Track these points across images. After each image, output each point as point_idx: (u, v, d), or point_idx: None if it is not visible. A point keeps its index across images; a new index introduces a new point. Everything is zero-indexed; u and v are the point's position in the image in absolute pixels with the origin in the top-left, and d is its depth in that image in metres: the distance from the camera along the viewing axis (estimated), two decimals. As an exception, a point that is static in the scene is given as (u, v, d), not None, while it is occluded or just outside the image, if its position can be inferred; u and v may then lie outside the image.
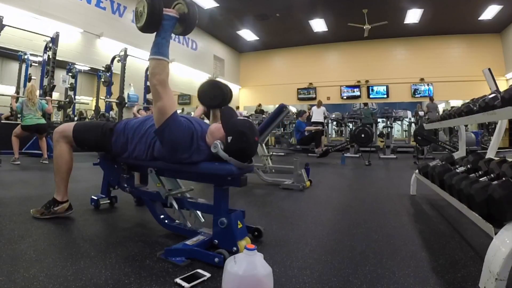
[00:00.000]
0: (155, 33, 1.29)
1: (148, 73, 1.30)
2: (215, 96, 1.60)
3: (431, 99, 9.64)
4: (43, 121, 4.25)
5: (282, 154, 7.30)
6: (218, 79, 1.94)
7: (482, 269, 0.95)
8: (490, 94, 1.52)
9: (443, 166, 1.81)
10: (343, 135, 9.02)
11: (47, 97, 4.79)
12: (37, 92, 4.41)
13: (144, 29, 1.28)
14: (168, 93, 1.26)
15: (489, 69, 2.33)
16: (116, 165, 1.65)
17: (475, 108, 1.69)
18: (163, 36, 1.27)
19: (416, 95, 11.37)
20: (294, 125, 9.38)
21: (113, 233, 1.49)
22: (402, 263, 1.18)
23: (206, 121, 1.82)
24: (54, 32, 5.30)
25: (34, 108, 4.17)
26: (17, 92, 5.65)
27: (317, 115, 8.05)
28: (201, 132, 1.35)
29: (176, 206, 1.41)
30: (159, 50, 1.25)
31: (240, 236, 1.24)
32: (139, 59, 7.71)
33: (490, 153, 2.13)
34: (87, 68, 7.50)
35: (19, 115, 4.38)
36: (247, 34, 11.35)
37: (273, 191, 2.77)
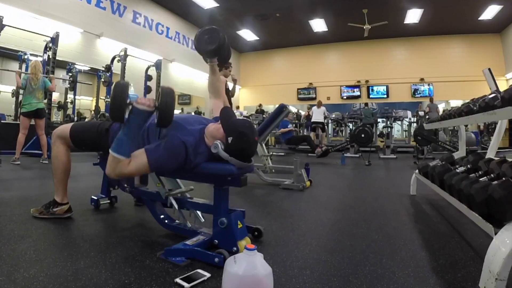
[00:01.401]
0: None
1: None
2: (210, 38, 1.50)
3: (431, 99, 9.65)
4: (42, 105, 4.22)
5: (282, 154, 7.30)
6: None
7: (482, 269, 0.95)
8: (490, 94, 1.51)
9: (443, 166, 1.81)
10: (343, 135, 9.01)
11: (50, 75, 4.75)
12: (41, 68, 4.38)
13: (111, 117, 1.19)
14: (131, 171, 1.19)
15: (489, 69, 2.32)
16: (116, 165, 1.65)
17: (475, 108, 1.69)
18: (126, 133, 1.17)
19: (416, 95, 11.37)
20: (294, 125, 9.40)
21: (113, 233, 1.49)
22: (402, 263, 1.18)
23: (207, 116, 1.78)
24: (54, 32, 5.30)
25: (37, 85, 4.11)
26: (17, 91, 5.65)
27: (317, 115, 8.06)
28: (198, 136, 1.31)
29: (176, 206, 1.41)
30: (118, 148, 1.16)
31: (240, 236, 1.24)
32: (139, 59, 7.71)
33: (490, 153, 2.13)
34: (87, 68, 7.50)
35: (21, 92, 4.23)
36: (247, 34, 11.35)
37: (273, 191, 2.77)
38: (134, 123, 1.18)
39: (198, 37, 1.54)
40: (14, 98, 6.01)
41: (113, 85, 1.19)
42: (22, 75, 4.34)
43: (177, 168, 1.25)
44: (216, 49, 1.52)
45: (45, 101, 4.64)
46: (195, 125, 1.36)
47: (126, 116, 1.17)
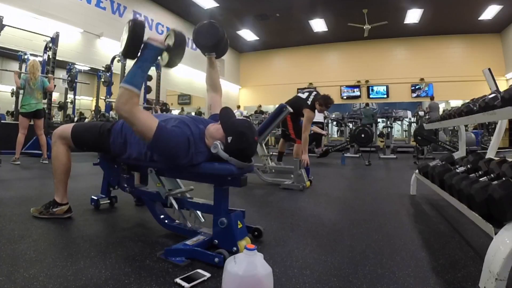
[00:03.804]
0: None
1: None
2: (209, 33, 1.54)
3: (432, 98, 9.64)
4: (41, 106, 4.21)
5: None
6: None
7: (482, 269, 0.95)
8: (490, 94, 1.51)
9: (443, 166, 1.81)
10: (343, 135, 9.01)
11: (49, 75, 4.75)
12: (40, 68, 4.38)
13: (124, 53, 1.23)
14: (139, 118, 1.20)
15: (489, 69, 2.33)
16: (116, 165, 1.65)
17: (475, 108, 1.69)
18: (139, 65, 1.21)
19: (416, 95, 11.37)
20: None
21: (113, 233, 1.49)
22: (402, 263, 1.18)
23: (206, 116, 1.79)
24: (54, 32, 5.30)
25: (35, 86, 4.10)
26: (17, 92, 5.64)
27: (317, 115, 8.05)
28: (198, 134, 1.33)
29: (176, 206, 1.41)
30: (131, 79, 1.19)
31: (240, 236, 1.24)
32: (139, 59, 7.70)
33: (490, 153, 2.13)
34: (87, 68, 7.50)
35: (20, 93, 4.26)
36: (247, 34, 11.35)
37: (273, 191, 2.77)
38: (148, 56, 1.22)
39: (197, 31, 1.57)
40: (14, 97, 6.01)
41: (132, 22, 1.21)
42: (21, 75, 4.34)
43: (176, 158, 1.25)
44: (215, 45, 1.56)
45: (45, 101, 4.64)
46: (195, 126, 1.37)
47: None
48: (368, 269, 1.13)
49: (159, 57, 1.30)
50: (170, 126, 1.29)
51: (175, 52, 1.28)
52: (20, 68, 5.53)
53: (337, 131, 11.16)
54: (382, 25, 9.09)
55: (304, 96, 3.56)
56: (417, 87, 11.38)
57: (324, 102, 3.46)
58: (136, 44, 1.21)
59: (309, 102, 3.45)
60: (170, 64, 1.32)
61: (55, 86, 4.66)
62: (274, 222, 1.75)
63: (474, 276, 1.04)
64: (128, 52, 1.23)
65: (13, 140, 4.04)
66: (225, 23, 10.02)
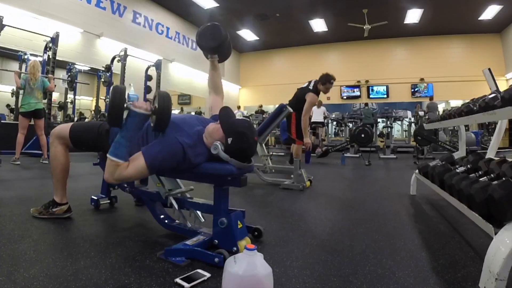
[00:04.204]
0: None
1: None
2: (212, 35, 1.53)
3: (431, 98, 9.64)
4: (40, 105, 4.21)
5: (282, 154, 7.29)
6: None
7: (482, 269, 0.95)
8: (490, 94, 1.52)
9: (443, 166, 1.81)
10: (343, 135, 9.02)
11: (49, 75, 4.75)
12: (40, 68, 4.38)
13: (108, 123, 1.21)
14: (130, 174, 1.18)
15: (489, 69, 2.32)
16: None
17: (475, 108, 1.69)
18: (123, 135, 1.18)
19: (416, 95, 11.37)
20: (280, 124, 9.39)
21: (113, 233, 1.49)
22: (402, 263, 1.18)
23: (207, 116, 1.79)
24: (54, 32, 5.30)
25: (35, 85, 4.10)
26: (17, 92, 5.65)
27: (317, 115, 8.05)
28: (197, 135, 1.31)
29: (176, 206, 1.41)
30: (115, 151, 1.17)
31: (240, 236, 1.24)
32: (139, 59, 7.71)
33: (490, 153, 2.13)
34: (87, 68, 7.50)
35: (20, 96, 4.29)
36: (247, 34, 11.35)
37: (273, 191, 2.77)
38: (132, 125, 1.19)
39: (200, 33, 1.56)
40: (14, 97, 6.02)
41: (112, 89, 1.19)
42: (22, 75, 4.34)
43: (177, 167, 1.25)
44: (218, 47, 1.55)
45: (45, 101, 4.64)
46: (194, 126, 1.35)
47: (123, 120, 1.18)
48: (368, 269, 1.13)
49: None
50: (167, 136, 1.26)
51: (160, 113, 1.20)
52: (20, 68, 5.53)
53: (336, 130, 11.18)
54: (382, 25, 9.09)
55: (304, 85, 3.55)
56: (416, 89, 11.38)
57: (326, 79, 3.36)
58: (116, 113, 1.16)
59: (311, 87, 3.42)
60: (157, 128, 1.23)
61: (55, 86, 4.66)
62: (274, 222, 1.75)
63: (474, 276, 1.04)
64: (111, 121, 1.19)
65: (13, 140, 4.04)
66: (225, 23, 10.00)
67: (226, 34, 1.55)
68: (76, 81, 6.59)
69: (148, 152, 1.20)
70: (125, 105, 1.17)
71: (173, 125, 1.28)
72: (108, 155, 1.17)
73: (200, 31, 1.56)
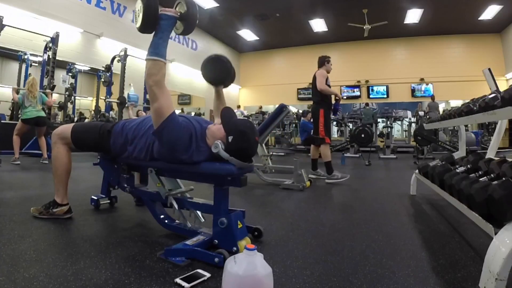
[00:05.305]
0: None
1: (144, 73, 1.29)
2: (216, 70, 1.59)
3: (433, 98, 9.65)
4: (42, 113, 4.25)
5: (282, 154, 7.30)
6: None
7: (482, 269, 0.95)
8: (490, 94, 1.52)
9: (443, 166, 1.81)
10: (343, 135, 9.01)
11: (47, 90, 4.80)
12: (38, 86, 4.40)
13: (141, 29, 1.27)
14: (164, 93, 1.25)
15: (489, 69, 2.33)
16: (116, 165, 1.65)
17: (475, 108, 1.69)
18: (159, 36, 1.25)
19: (416, 95, 11.37)
20: (295, 125, 9.40)
21: (113, 233, 1.49)
22: (402, 263, 1.18)
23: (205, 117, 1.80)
24: (54, 32, 5.30)
25: (34, 100, 4.16)
26: (18, 107, 5.66)
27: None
28: (200, 132, 1.34)
29: (176, 206, 1.41)
30: (156, 50, 1.23)
31: (240, 236, 1.24)
32: (139, 59, 7.69)
33: (490, 153, 2.13)
34: (87, 68, 7.50)
35: (20, 111, 4.37)
36: (247, 34, 11.34)
37: (273, 191, 2.77)
38: (167, 26, 1.26)
39: (205, 66, 1.60)
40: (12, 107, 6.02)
41: None
42: (20, 91, 4.38)
43: (183, 143, 1.26)
44: (222, 79, 1.61)
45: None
46: (201, 124, 1.40)
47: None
48: (368, 269, 1.13)
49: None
50: (183, 120, 1.33)
51: (188, 18, 1.31)
52: (20, 68, 5.54)
53: (337, 131, 11.18)
54: (382, 25, 9.09)
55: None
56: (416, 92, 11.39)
57: (322, 62, 3.60)
58: (153, 18, 1.24)
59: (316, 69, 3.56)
60: (186, 31, 1.36)
61: (54, 100, 4.73)
62: (274, 222, 1.75)
63: (474, 276, 1.04)
64: (146, 27, 1.26)
65: (12, 140, 4.05)
66: (225, 23, 10.06)
67: (230, 66, 1.60)
68: (76, 80, 6.60)
69: (173, 114, 1.26)
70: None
71: (184, 118, 1.36)
72: (149, 56, 1.23)
73: (204, 64, 1.60)
